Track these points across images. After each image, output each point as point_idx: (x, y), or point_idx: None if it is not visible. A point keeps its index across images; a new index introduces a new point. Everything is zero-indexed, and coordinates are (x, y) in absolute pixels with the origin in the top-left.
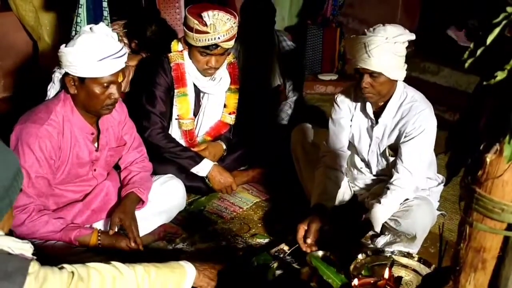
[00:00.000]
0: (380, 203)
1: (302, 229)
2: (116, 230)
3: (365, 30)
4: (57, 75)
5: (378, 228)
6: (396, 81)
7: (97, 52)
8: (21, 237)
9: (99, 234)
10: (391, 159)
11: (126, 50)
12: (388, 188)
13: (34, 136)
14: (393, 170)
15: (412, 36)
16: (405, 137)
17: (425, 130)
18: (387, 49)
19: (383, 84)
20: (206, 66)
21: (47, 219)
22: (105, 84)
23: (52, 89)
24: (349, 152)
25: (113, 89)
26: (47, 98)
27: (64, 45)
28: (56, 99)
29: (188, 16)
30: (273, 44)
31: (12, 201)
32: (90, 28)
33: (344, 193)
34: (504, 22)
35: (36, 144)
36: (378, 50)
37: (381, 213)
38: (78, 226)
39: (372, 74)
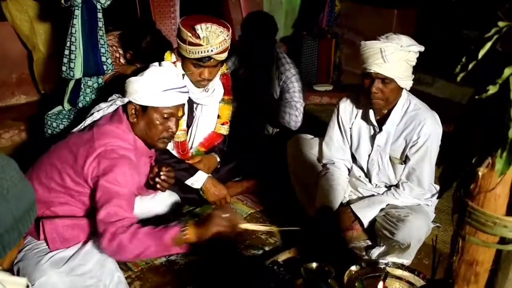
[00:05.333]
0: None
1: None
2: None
3: (378, 37)
4: (117, 102)
5: (366, 222)
6: (402, 89)
7: (162, 82)
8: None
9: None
10: (400, 167)
11: (187, 89)
12: (392, 188)
13: (124, 165)
14: (402, 177)
15: (422, 48)
16: (411, 146)
17: (430, 138)
18: (401, 56)
19: (392, 91)
20: (199, 77)
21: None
22: (165, 115)
23: (101, 111)
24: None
25: (172, 123)
26: (86, 123)
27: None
28: (120, 125)
29: (182, 28)
30: (272, 55)
31: (21, 234)
32: (159, 63)
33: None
34: (495, 36)
35: (127, 170)
36: (394, 57)
37: (376, 204)
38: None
39: (384, 80)
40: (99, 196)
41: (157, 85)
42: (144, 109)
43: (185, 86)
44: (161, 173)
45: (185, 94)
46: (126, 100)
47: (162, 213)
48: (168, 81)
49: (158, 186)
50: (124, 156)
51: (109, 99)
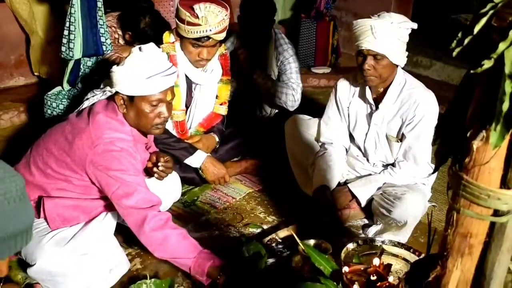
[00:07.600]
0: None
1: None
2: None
3: (370, 15)
4: (107, 92)
5: (363, 201)
6: (397, 67)
7: (145, 70)
8: (149, 243)
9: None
10: (396, 144)
11: (175, 69)
12: (389, 167)
13: (128, 156)
14: (398, 156)
15: (415, 25)
16: (407, 125)
17: (426, 116)
18: (392, 32)
19: (385, 67)
20: (197, 57)
21: (183, 235)
22: (154, 103)
23: (96, 98)
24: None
25: (162, 108)
26: (83, 107)
27: (115, 65)
28: (115, 116)
29: (180, 8)
30: (270, 36)
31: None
32: (139, 48)
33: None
34: (491, 12)
35: (131, 160)
36: (384, 33)
37: (373, 183)
38: (210, 254)
39: (376, 56)
40: (116, 187)
41: (140, 73)
42: (131, 99)
43: (171, 67)
44: (159, 163)
45: (171, 76)
46: (113, 90)
47: (161, 193)
48: (151, 67)
49: (156, 176)
50: (123, 149)
51: (101, 87)
